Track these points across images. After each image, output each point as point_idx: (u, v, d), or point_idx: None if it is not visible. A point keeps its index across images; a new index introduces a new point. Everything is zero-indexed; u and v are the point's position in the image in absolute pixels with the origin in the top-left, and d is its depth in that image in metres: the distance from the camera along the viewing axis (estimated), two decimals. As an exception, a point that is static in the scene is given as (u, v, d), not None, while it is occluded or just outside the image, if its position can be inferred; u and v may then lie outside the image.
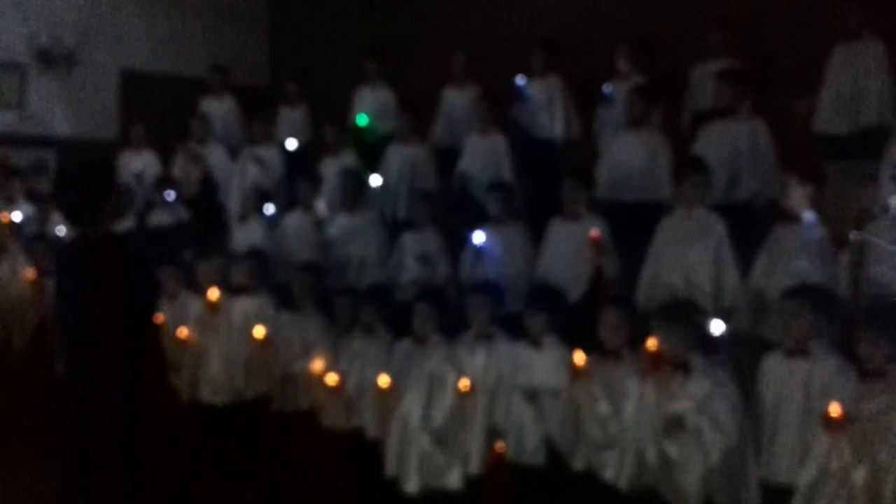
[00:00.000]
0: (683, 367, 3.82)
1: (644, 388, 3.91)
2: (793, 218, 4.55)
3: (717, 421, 3.69)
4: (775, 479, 3.72)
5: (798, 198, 4.52)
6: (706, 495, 3.73)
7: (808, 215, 4.49)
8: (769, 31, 6.58)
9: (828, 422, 3.44)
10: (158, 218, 6.93)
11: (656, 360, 3.72)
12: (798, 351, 3.77)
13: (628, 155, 5.66)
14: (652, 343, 3.74)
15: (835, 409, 3.42)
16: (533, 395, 4.37)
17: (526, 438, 4.35)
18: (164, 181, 7.11)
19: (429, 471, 4.45)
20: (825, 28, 6.06)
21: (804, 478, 3.51)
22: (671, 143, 5.71)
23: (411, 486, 4.45)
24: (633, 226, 5.04)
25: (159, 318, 5.57)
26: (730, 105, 5.46)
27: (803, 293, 3.86)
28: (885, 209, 4.41)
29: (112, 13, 8.84)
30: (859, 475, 3.35)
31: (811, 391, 3.68)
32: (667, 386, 3.78)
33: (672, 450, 3.72)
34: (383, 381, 4.66)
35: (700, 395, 3.75)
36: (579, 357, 4.06)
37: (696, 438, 3.69)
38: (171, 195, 6.87)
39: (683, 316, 4.00)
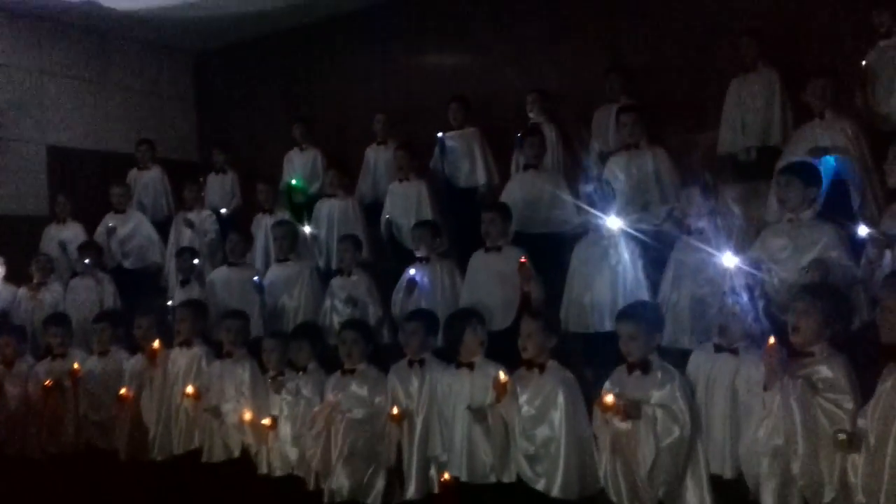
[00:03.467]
0: (643, 366, 3.91)
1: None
2: (696, 231, 4.76)
3: (674, 414, 3.78)
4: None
5: (700, 211, 4.76)
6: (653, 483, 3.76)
7: (712, 227, 4.73)
8: (667, 73, 7.17)
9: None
10: (80, 283, 6.94)
11: (611, 411, 3.78)
12: (725, 347, 3.88)
13: (520, 193, 6.12)
14: (608, 399, 3.78)
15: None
16: (481, 415, 4.30)
17: (476, 459, 4.33)
18: (88, 248, 7.16)
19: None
20: (722, 68, 6.69)
21: None
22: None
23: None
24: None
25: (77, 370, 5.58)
26: (631, 138, 5.86)
27: None
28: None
29: (38, 90, 8.91)
30: None
31: (738, 385, 3.79)
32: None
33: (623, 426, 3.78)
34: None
35: (660, 391, 3.83)
36: (503, 377, 4.13)
37: (651, 425, 3.75)
38: (86, 261, 6.97)
39: (647, 316, 4.07)
